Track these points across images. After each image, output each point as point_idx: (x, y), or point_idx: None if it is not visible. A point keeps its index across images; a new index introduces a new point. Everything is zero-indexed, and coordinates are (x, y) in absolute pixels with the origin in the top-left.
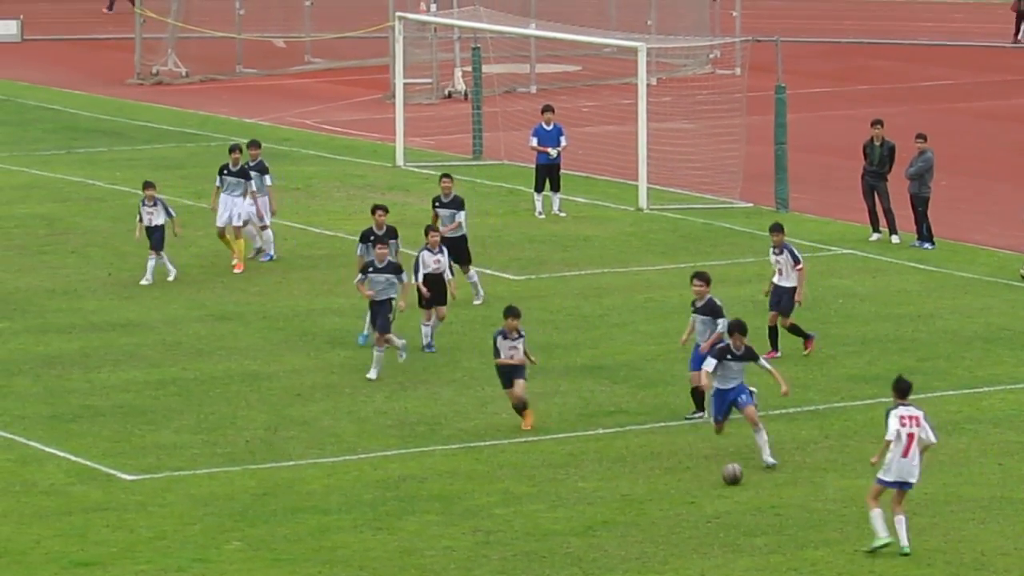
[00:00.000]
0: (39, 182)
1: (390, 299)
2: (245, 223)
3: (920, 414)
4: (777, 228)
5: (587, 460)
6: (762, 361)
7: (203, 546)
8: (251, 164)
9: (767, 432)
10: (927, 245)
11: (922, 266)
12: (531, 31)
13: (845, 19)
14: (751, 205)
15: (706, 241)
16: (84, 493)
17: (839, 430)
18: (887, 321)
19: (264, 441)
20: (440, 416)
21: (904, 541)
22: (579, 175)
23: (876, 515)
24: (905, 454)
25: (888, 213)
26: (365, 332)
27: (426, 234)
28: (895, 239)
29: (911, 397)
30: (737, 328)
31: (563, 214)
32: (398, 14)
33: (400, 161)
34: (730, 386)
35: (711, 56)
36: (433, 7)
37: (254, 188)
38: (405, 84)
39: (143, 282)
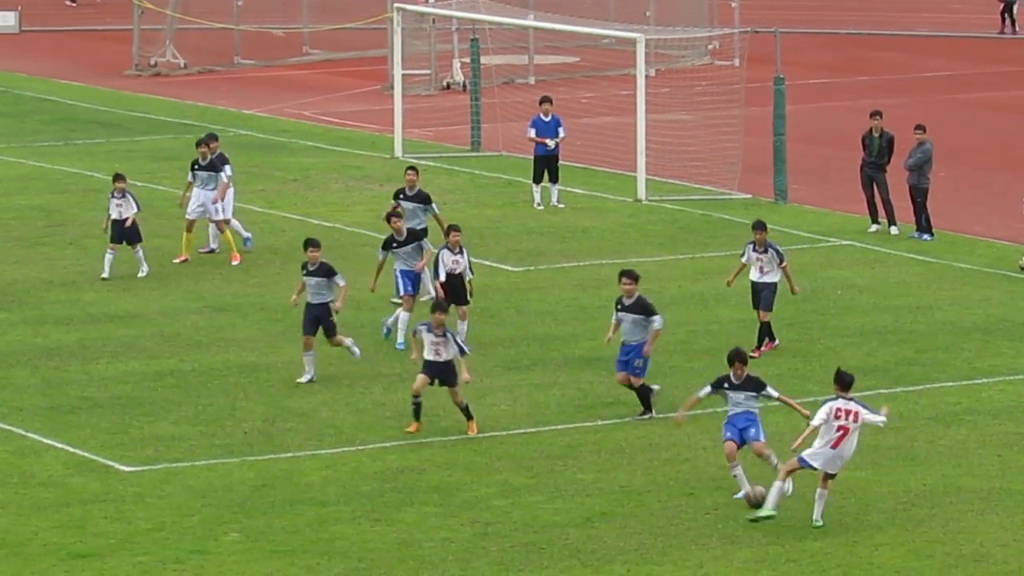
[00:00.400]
0: (37, 173)
1: (326, 303)
2: (227, 221)
3: (860, 409)
4: (760, 226)
5: (585, 451)
6: (769, 390)
7: (201, 537)
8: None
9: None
10: (926, 236)
11: (921, 257)
12: (529, 22)
13: (844, 10)
14: (750, 196)
15: (705, 232)
16: (82, 485)
17: None
18: (886, 312)
19: (262, 433)
20: (438, 407)
21: (817, 515)
22: (578, 166)
23: (777, 487)
24: (835, 445)
25: (887, 204)
26: (388, 325)
27: (447, 234)
28: (894, 230)
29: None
30: (736, 358)
31: (561, 205)
32: (396, 5)
33: (398, 152)
34: (738, 411)
35: (710, 47)
36: None
37: (225, 179)
38: (403, 75)
39: (103, 276)
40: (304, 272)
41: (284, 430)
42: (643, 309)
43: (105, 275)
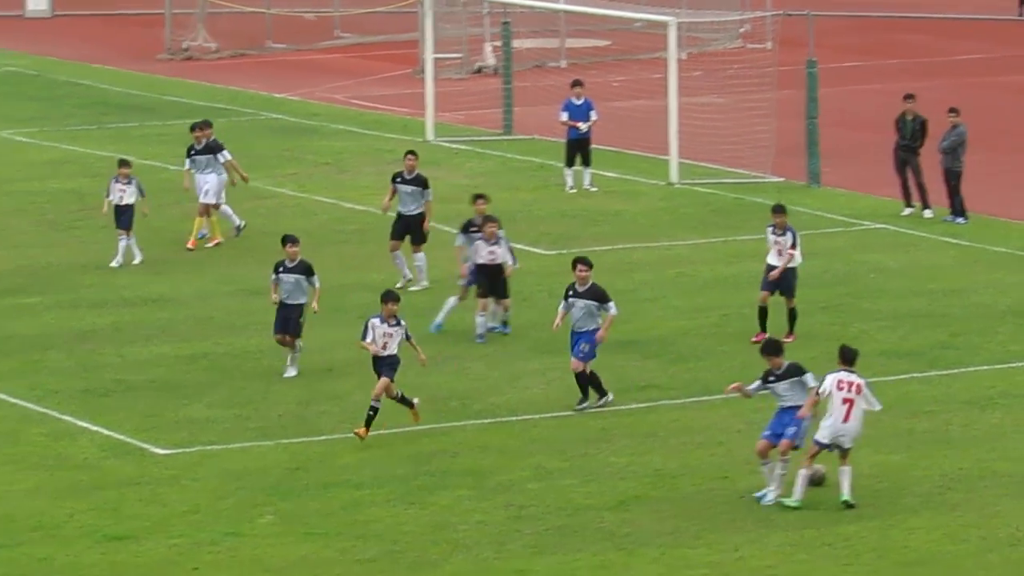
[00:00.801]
0: (70, 157)
1: (300, 304)
2: (217, 205)
3: (861, 382)
4: (779, 209)
5: (619, 435)
6: (808, 377)
7: (236, 520)
8: (206, 143)
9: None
10: (960, 219)
11: (955, 240)
12: (561, 5)
13: None
14: (782, 180)
15: (737, 216)
16: (117, 467)
17: None
18: (920, 296)
19: (296, 416)
20: (471, 391)
21: (846, 492)
22: (610, 150)
23: (802, 475)
24: (846, 419)
25: (921, 187)
26: (439, 321)
27: (484, 224)
28: (928, 213)
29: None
30: (771, 350)
31: (594, 189)
32: None
33: (430, 136)
34: (786, 406)
35: (741, 30)
36: None
37: (226, 159)
38: (435, 59)
39: (113, 264)
40: (280, 270)
41: (318, 413)
42: (597, 296)
43: (116, 262)
